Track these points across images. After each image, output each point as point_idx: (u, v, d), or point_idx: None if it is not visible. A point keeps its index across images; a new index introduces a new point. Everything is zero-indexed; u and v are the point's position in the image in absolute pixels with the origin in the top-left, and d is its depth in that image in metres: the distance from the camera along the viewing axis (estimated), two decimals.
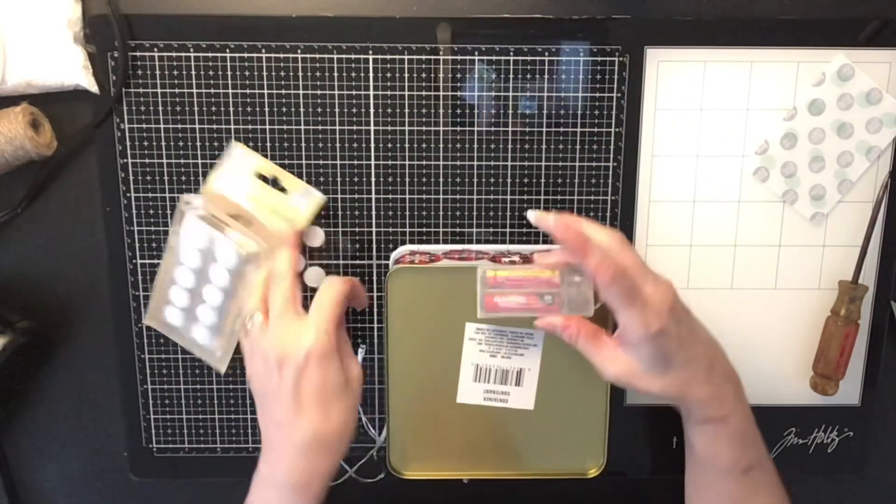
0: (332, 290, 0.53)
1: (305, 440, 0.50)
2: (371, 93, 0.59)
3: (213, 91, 0.59)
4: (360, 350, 0.63)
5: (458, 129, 0.60)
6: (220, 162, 0.59)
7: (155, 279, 0.61)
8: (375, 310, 0.63)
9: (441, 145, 0.60)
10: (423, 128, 0.60)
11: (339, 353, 0.51)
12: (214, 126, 0.59)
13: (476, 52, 0.58)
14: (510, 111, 0.60)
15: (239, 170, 0.59)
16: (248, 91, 0.59)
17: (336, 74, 0.59)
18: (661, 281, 0.51)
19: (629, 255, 0.51)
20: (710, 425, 0.53)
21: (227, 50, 0.58)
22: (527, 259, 0.57)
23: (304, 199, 0.59)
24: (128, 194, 0.60)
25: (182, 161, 0.60)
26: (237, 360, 0.63)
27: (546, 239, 0.62)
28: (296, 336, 0.50)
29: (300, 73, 0.59)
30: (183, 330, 0.62)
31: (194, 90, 0.59)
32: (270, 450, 0.52)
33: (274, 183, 0.59)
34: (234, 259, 0.58)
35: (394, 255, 0.61)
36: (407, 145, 0.60)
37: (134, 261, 0.61)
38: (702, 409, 0.53)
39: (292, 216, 0.59)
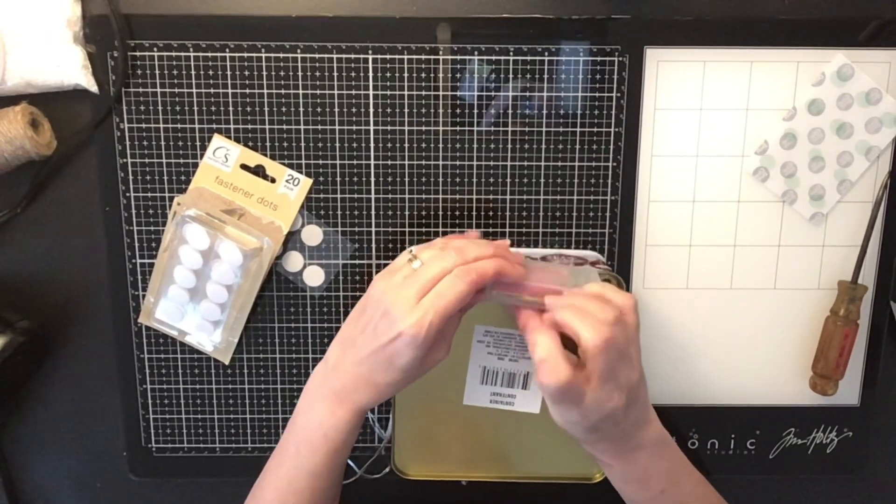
0: (458, 286, 0.49)
1: (358, 381, 0.51)
2: (371, 93, 0.59)
3: (212, 91, 0.59)
4: None
5: (458, 129, 0.60)
6: (204, 157, 0.59)
7: (151, 278, 0.61)
8: None
9: (441, 145, 0.60)
10: (423, 128, 0.60)
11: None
12: (214, 126, 0.59)
13: (476, 52, 0.58)
14: (510, 111, 0.60)
15: (223, 162, 0.59)
16: (247, 91, 0.59)
17: (336, 74, 0.59)
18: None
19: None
20: (600, 464, 0.55)
21: (227, 50, 0.58)
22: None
23: (291, 185, 0.59)
24: (127, 194, 0.60)
25: (182, 161, 0.60)
26: (236, 360, 0.63)
27: (547, 240, 0.62)
28: (406, 309, 0.48)
29: (300, 73, 0.59)
30: (184, 327, 0.62)
31: (194, 90, 0.59)
32: (337, 349, 0.52)
33: (259, 171, 0.60)
34: (238, 257, 0.58)
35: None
36: (407, 145, 0.60)
37: (133, 261, 0.61)
38: (587, 449, 0.53)
39: (282, 203, 0.60)
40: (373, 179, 0.61)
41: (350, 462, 0.65)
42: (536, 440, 0.61)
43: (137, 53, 0.58)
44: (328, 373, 0.52)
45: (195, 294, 0.61)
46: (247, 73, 0.58)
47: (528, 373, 0.58)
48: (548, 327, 0.49)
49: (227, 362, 0.63)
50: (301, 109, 0.59)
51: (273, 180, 0.60)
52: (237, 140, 0.60)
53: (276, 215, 0.60)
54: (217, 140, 0.59)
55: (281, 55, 0.58)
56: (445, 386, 0.59)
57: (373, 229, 0.62)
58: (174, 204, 0.60)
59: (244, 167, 0.60)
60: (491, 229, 0.62)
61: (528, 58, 0.59)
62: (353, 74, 0.59)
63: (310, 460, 0.52)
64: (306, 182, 0.60)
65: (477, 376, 0.59)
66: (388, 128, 0.60)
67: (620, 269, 0.62)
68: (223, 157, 0.59)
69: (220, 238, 0.59)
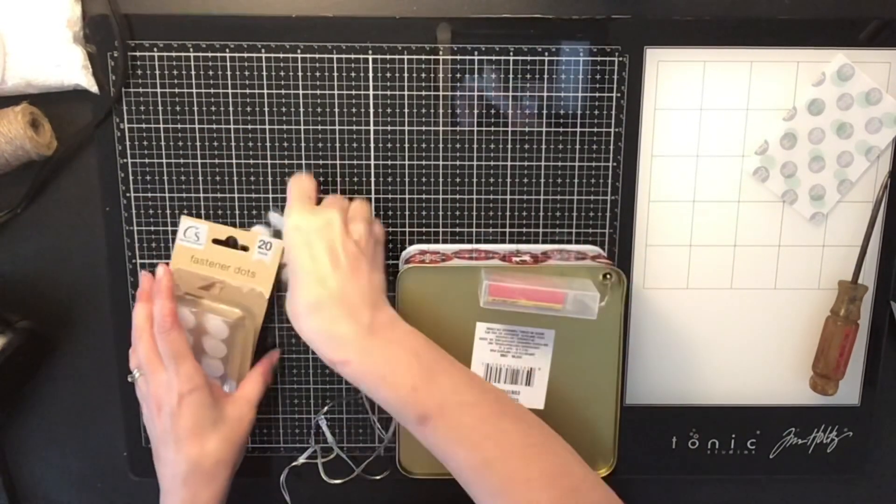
0: (174, 337, 0.56)
1: (185, 471, 0.55)
2: (371, 93, 0.59)
3: (213, 91, 0.59)
4: None
5: (458, 129, 0.60)
6: (176, 239, 0.60)
7: None
8: None
9: (441, 145, 0.60)
10: (423, 128, 0.60)
11: (214, 392, 0.57)
12: (214, 126, 0.59)
13: (476, 52, 0.58)
14: (510, 111, 0.60)
15: (195, 241, 0.60)
16: (248, 91, 0.59)
17: (336, 74, 0.59)
18: None
19: None
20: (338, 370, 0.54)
21: (227, 50, 0.58)
22: (537, 259, 0.57)
23: (265, 250, 0.60)
24: (128, 194, 0.60)
25: (182, 161, 0.60)
26: None
27: (547, 240, 0.62)
28: (166, 382, 0.55)
29: (300, 73, 0.59)
30: None
31: (194, 90, 0.59)
32: (163, 492, 0.57)
33: (231, 242, 0.61)
34: (223, 330, 0.60)
35: (404, 255, 0.61)
36: (407, 145, 0.60)
37: (134, 261, 0.61)
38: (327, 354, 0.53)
39: (258, 269, 0.60)
40: (373, 179, 0.61)
41: (349, 462, 0.65)
42: None
43: (137, 53, 0.58)
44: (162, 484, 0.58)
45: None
46: (247, 73, 0.58)
47: (531, 369, 0.59)
48: None
49: None
50: (301, 109, 0.59)
51: (246, 248, 0.60)
52: (237, 140, 0.60)
53: (255, 282, 0.60)
54: (185, 221, 0.60)
55: (281, 55, 0.58)
56: None
57: None
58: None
59: (216, 241, 0.60)
60: (491, 229, 0.62)
61: (528, 58, 0.59)
62: (353, 74, 0.59)
63: None
64: (279, 245, 0.60)
65: (480, 374, 0.59)
66: (388, 128, 0.60)
67: (621, 269, 0.62)
68: (194, 235, 0.60)
69: (203, 316, 0.60)
